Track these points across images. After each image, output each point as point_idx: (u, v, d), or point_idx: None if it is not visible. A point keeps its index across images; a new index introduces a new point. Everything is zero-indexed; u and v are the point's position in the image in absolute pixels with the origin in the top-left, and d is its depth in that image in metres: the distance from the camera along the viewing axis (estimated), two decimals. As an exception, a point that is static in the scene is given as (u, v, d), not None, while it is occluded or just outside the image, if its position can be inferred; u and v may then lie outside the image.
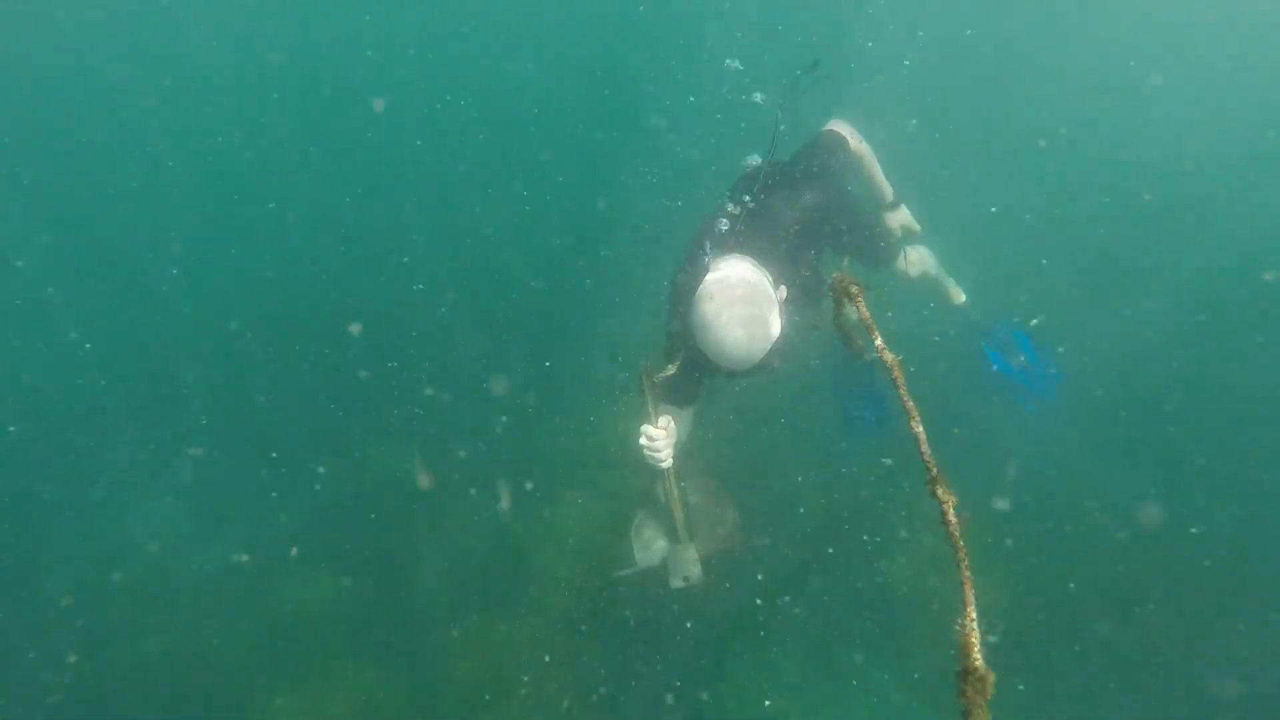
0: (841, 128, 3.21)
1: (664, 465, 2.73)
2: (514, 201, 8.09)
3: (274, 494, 5.66)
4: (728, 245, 2.60)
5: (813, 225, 2.81)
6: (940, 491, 1.11)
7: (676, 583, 3.01)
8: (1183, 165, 6.64)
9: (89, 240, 9.26)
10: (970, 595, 1.07)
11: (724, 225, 2.70)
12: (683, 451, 3.09)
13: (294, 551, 5.08)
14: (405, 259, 7.49)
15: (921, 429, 1.19)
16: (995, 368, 3.73)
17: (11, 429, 6.88)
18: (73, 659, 4.82)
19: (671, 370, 2.72)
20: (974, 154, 6.57)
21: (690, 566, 2.99)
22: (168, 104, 9.71)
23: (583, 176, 7.97)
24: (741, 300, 2.33)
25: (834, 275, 1.77)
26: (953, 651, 1.12)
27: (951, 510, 1.10)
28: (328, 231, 8.14)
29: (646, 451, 2.69)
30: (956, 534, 1.10)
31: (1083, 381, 4.68)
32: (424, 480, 5.36)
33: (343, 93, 9.59)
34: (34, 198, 9.52)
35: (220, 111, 9.74)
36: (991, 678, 1.12)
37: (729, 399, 4.55)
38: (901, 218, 3.51)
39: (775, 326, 2.40)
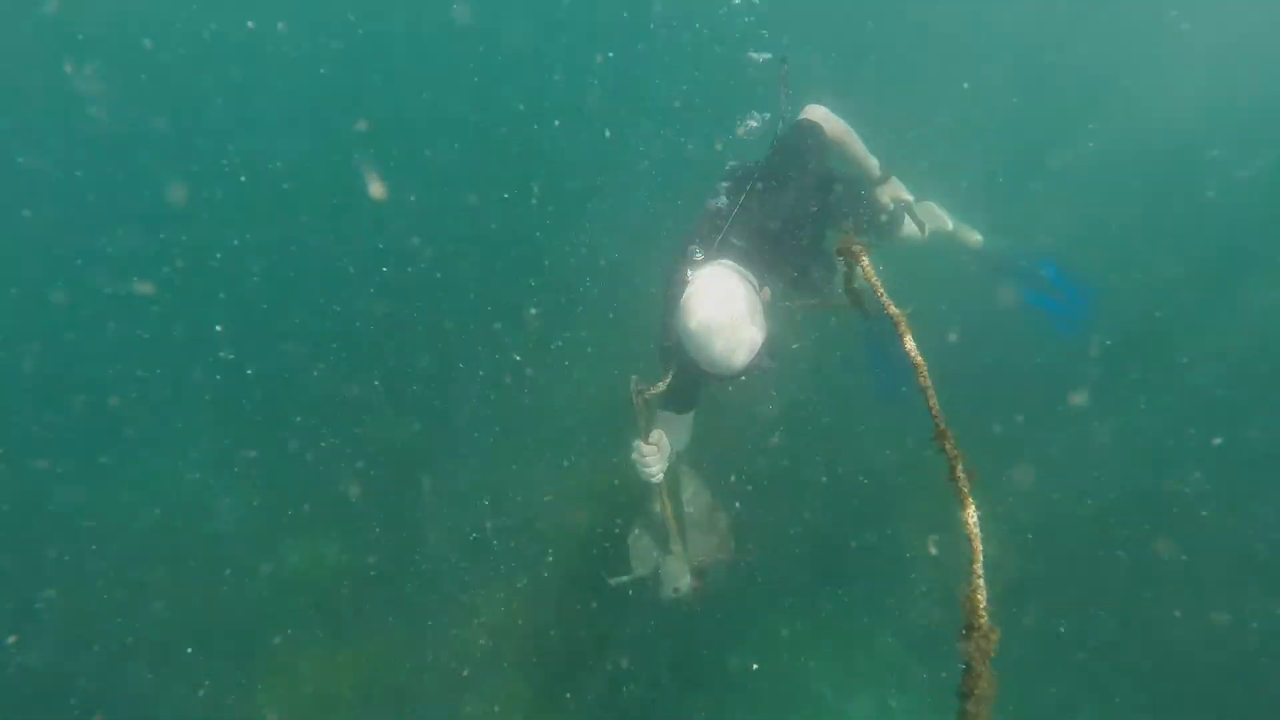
0: (816, 113, 3.10)
1: (655, 480, 2.82)
2: (520, 189, 8.01)
3: (279, 460, 5.67)
4: (709, 253, 2.61)
5: (803, 216, 2.79)
6: (948, 446, 1.09)
7: (667, 593, 3.10)
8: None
9: (95, 217, 9.17)
10: (978, 551, 1.06)
11: (704, 236, 2.70)
12: (684, 457, 3.13)
13: (305, 508, 5.13)
14: (405, 246, 7.43)
15: (929, 383, 1.16)
16: (1025, 297, 3.70)
17: (18, 401, 6.90)
18: (53, 593, 4.89)
19: (662, 386, 2.77)
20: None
21: (681, 577, 3.07)
22: (175, 96, 9.57)
23: (583, 168, 7.91)
24: (720, 311, 2.35)
25: (839, 240, 1.75)
26: (957, 608, 1.11)
27: (960, 466, 1.08)
28: (333, 217, 8.09)
29: (638, 466, 2.77)
30: (965, 490, 1.08)
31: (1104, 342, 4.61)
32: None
33: (351, 88, 9.48)
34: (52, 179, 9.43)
35: (226, 97, 9.60)
36: (996, 635, 1.11)
37: (727, 397, 4.53)
38: (893, 190, 3.43)
39: (758, 331, 2.41)
